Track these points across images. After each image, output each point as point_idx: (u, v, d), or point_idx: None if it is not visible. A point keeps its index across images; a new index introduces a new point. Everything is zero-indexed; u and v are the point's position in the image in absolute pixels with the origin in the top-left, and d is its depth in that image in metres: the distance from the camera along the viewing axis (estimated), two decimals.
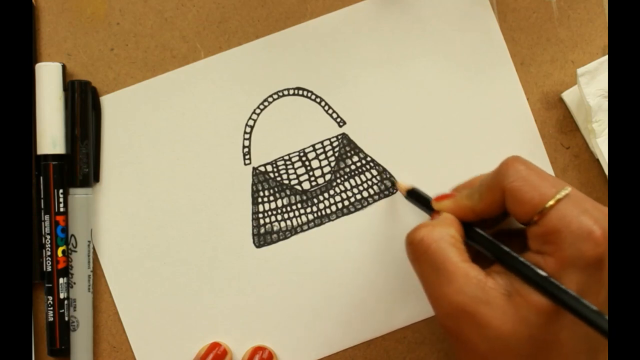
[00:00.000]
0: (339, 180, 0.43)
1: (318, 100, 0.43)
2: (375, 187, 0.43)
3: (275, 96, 0.43)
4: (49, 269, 0.41)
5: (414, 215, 0.42)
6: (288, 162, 0.43)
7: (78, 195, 0.41)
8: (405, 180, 0.42)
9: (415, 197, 0.40)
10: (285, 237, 0.43)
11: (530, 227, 0.32)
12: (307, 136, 0.43)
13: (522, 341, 0.31)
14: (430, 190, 0.40)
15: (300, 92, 0.43)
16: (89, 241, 0.42)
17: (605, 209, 0.33)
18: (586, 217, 0.31)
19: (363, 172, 0.43)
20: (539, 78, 0.43)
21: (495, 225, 0.37)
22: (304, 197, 0.43)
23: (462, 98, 0.43)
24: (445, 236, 0.33)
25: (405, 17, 0.43)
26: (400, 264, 0.42)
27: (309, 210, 0.43)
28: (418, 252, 0.33)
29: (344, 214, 0.43)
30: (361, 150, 0.43)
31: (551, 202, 0.31)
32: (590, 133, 0.42)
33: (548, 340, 0.31)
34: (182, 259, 0.42)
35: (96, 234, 0.42)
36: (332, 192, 0.43)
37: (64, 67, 0.42)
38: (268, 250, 0.42)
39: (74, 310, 0.41)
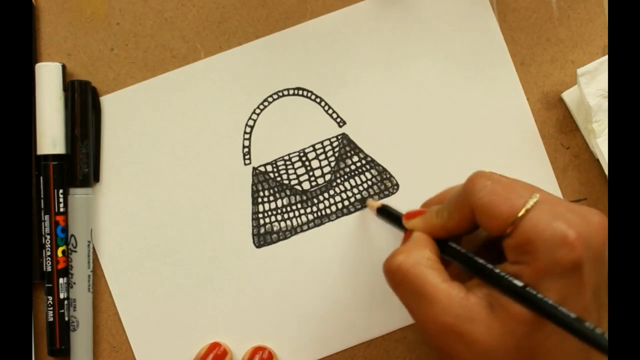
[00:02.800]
0: (339, 180, 0.43)
1: (318, 100, 0.43)
2: (375, 187, 0.43)
3: (275, 96, 0.43)
4: (49, 269, 0.41)
5: None
6: (288, 162, 0.43)
7: (78, 195, 0.41)
8: (408, 186, 0.42)
9: (386, 214, 0.40)
10: (285, 237, 0.43)
11: (504, 240, 0.32)
12: (307, 136, 0.43)
13: (510, 353, 0.31)
14: (430, 189, 0.40)
15: (300, 92, 0.43)
16: (89, 241, 0.42)
17: (580, 209, 0.32)
18: (558, 222, 0.30)
19: (363, 172, 0.43)
20: (539, 78, 0.43)
21: (471, 233, 0.37)
22: (304, 197, 0.43)
23: (462, 98, 0.43)
24: (422, 259, 0.33)
25: (405, 17, 0.43)
26: None
27: (309, 210, 0.43)
28: (397, 279, 0.33)
29: (344, 214, 0.43)
30: (361, 150, 0.43)
31: (521, 213, 0.31)
32: (590, 133, 0.42)
33: (535, 348, 0.31)
34: (182, 259, 0.42)
35: (96, 234, 0.42)
36: (332, 192, 0.43)
37: (64, 67, 0.42)
38: (268, 250, 0.42)
39: (74, 310, 0.41)
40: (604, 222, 0.32)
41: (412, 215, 0.37)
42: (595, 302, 0.32)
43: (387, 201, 0.43)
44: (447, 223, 0.34)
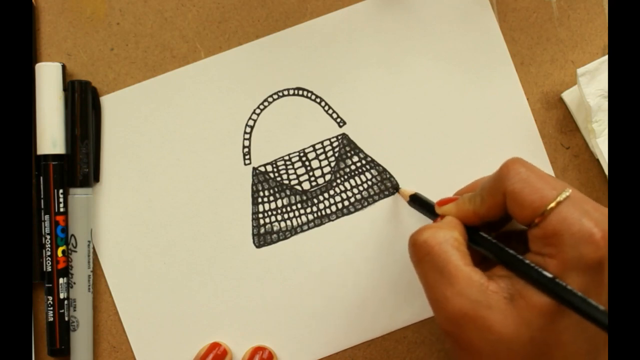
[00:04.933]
0: (339, 181, 0.43)
1: (318, 100, 0.43)
2: (375, 187, 0.43)
3: (275, 96, 0.43)
4: (49, 269, 0.41)
5: (414, 216, 0.42)
6: (288, 162, 0.43)
7: (78, 195, 0.41)
8: (407, 186, 0.42)
9: (418, 202, 0.40)
10: (285, 237, 0.43)
11: (531, 229, 0.32)
12: (307, 136, 0.43)
13: (524, 343, 0.31)
14: (431, 190, 0.41)
15: (300, 92, 0.43)
16: (89, 241, 0.42)
17: (606, 210, 0.33)
18: (587, 220, 0.31)
19: (363, 172, 0.43)
20: (539, 78, 0.43)
21: (501, 228, 0.37)
22: (304, 197, 0.43)
23: (462, 98, 0.43)
24: (449, 239, 0.33)
25: (405, 17, 0.43)
26: (400, 264, 0.42)
27: (309, 210, 0.43)
28: (421, 253, 0.33)
29: (344, 214, 0.43)
30: (361, 150, 0.43)
31: (552, 205, 0.31)
32: (590, 133, 0.41)
33: (550, 341, 0.31)
34: (182, 259, 0.42)
35: (96, 234, 0.42)
36: (332, 192, 0.43)
37: (64, 67, 0.42)
38: (268, 250, 0.42)
39: (74, 310, 0.41)
40: None
41: (444, 202, 0.37)
42: None
43: (387, 201, 0.43)
44: (480, 209, 0.34)
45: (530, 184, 0.32)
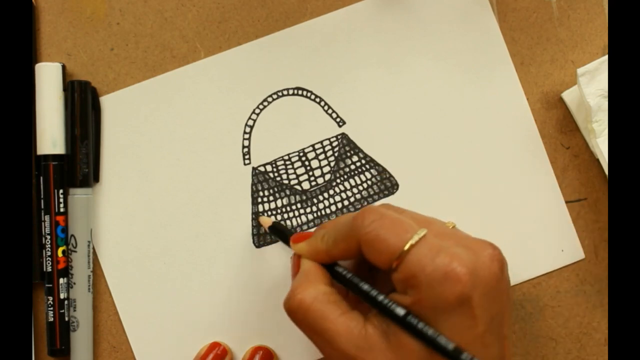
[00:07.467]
0: (338, 180, 0.43)
1: (318, 100, 0.43)
2: (375, 187, 0.43)
3: (275, 96, 0.43)
4: (49, 269, 0.41)
5: None
6: (288, 162, 0.43)
7: (78, 195, 0.41)
8: (407, 187, 0.42)
9: (277, 233, 0.40)
10: None
11: (392, 274, 0.32)
12: (306, 136, 0.43)
13: None
14: (430, 189, 0.40)
15: (300, 92, 0.43)
16: (89, 241, 0.42)
17: (472, 242, 0.32)
18: (442, 257, 0.31)
19: (363, 172, 0.43)
20: (539, 78, 0.43)
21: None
22: (304, 197, 0.43)
23: (462, 98, 0.43)
24: (318, 295, 0.33)
25: (405, 17, 0.43)
26: None
27: (308, 210, 0.43)
28: (299, 318, 0.34)
29: (343, 214, 0.43)
30: (361, 150, 0.43)
31: (406, 247, 0.31)
32: (590, 133, 0.41)
33: None
34: (182, 259, 0.42)
35: (96, 234, 0.42)
36: (331, 192, 0.43)
37: (64, 67, 0.42)
38: (268, 250, 0.42)
39: (74, 310, 0.41)
40: (496, 255, 0.32)
41: (298, 239, 0.37)
42: (494, 334, 0.31)
43: (386, 201, 0.43)
44: (332, 250, 0.34)
45: (385, 229, 0.32)
